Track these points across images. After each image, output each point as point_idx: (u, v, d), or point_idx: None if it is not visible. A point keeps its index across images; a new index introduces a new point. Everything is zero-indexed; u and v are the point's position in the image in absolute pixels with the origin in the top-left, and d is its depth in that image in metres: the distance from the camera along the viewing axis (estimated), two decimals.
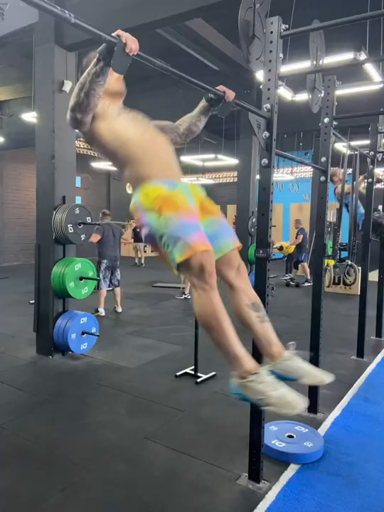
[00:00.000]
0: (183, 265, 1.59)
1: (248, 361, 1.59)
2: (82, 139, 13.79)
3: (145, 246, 13.03)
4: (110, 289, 6.49)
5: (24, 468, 2.49)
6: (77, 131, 1.87)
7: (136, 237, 11.52)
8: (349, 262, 4.21)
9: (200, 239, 1.61)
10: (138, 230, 1.72)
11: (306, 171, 14.51)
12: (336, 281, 9.06)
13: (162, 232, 1.62)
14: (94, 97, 1.65)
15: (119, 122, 1.82)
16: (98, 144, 1.85)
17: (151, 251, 1.59)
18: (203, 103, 2.04)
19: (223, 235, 1.80)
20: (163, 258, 1.69)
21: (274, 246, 10.59)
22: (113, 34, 1.43)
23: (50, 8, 1.28)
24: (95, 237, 6.08)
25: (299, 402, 1.53)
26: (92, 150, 1.94)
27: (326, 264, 6.54)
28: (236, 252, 1.84)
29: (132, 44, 1.45)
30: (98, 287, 6.17)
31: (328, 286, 8.85)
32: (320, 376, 1.79)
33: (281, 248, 10.98)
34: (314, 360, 3.21)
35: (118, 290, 6.58)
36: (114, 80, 1.90)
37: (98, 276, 6.20)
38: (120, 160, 1.82)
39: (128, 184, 1.83)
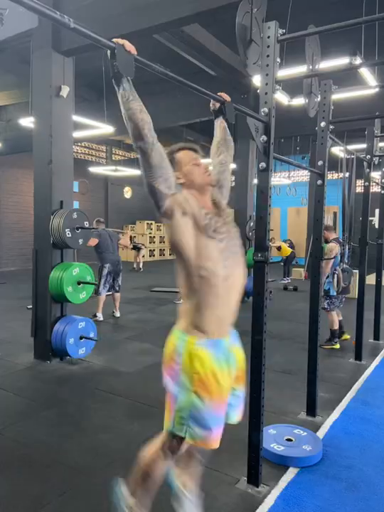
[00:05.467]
0: (180, 440, 1.67)
1: None
2: (79, 145, 13.91)
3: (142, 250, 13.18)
4: (109, 293, 6.48)
5: (22, 473, 2.47)
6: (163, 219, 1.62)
7: (134, 247, 12.00)
8: (343, 266, 4.24)
9: (217, 436, 1.68)
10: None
11: (304, 175, 14.57)
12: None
13: (187, 405, 1.66)
14: (137, 115, 1.52)
15: (210, 242, 1.60)
16: (178, 243, 1.61)
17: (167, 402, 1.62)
18: (216, 121, 2.09)
19: (236, 408, 1.82)
20: (168, 412, 1.73)
21: (273, 244, 10.60)
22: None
23: (50, 14, 1.29)
24: (93, 241, 6.07)
25: None
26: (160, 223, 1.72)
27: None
28: None
29: (129, 46, 1.51)
30: (96, 292, 6.15)
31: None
32: None
33: (279, 248, 10.98)
34: (312, 364, 3.22)
35: (118, 295, 6.57)
36: (200, 172, 1.74)
37: (99, 281, 6.22)
38: (190, 282, 1.64)
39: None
